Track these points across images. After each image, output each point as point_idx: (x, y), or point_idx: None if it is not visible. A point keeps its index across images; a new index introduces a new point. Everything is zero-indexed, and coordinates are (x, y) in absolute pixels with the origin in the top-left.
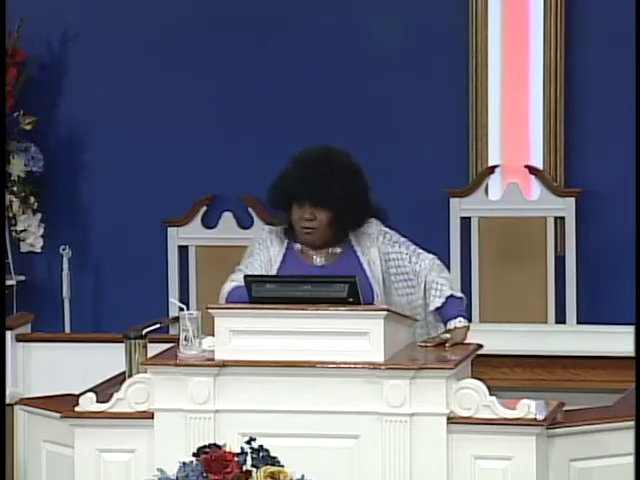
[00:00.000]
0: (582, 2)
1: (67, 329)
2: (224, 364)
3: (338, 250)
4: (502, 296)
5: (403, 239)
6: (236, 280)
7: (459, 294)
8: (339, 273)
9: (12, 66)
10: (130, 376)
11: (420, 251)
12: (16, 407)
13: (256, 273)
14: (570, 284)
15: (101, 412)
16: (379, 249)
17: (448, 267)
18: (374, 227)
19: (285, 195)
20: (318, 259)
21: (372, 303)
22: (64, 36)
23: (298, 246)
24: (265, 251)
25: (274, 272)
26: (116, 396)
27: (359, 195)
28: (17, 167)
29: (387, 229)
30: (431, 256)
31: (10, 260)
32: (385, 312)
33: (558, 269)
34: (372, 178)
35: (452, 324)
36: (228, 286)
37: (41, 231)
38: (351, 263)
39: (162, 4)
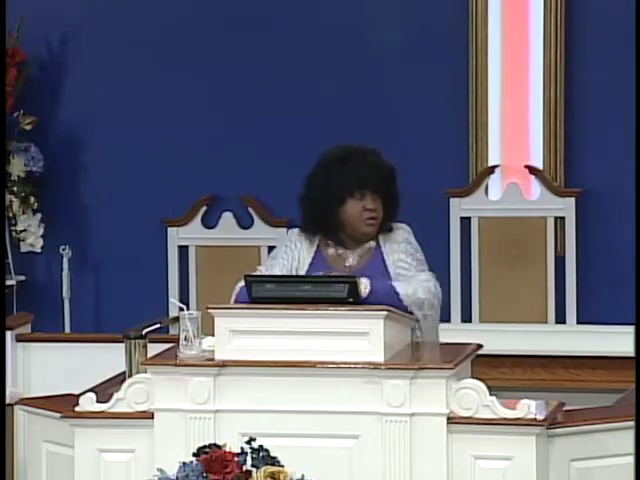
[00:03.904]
0: (582, 2)
1: (67, 329)
2: (224, 364)
3: (373, 244)
4: (502, 296)
5: (422, 256)
6: None
7: (405, 299)
8: (366, 276)
9: (12, 66)
10: (130, 376)
11: (424, 267)
12: (16, 407)
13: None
14: (570, 284)
15: (101, 412)
16: (398, 255)
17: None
18: (401, 235)
19: (343, 190)
20: (351, 259)
21: (396, 306)
22: (64, 36)
23: (331, 250)
24: (290, 254)
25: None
26: (116, 396)
27: (396, 181)
28: (17, 167)
29: (412, 239)
30: (430, 273)
31: (10, 260)
32: (385, 312)
33: (558, 269)
34: None
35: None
36: (242, 284)
37: (41, 231)
38: (378, 266)
39: (162, 4)
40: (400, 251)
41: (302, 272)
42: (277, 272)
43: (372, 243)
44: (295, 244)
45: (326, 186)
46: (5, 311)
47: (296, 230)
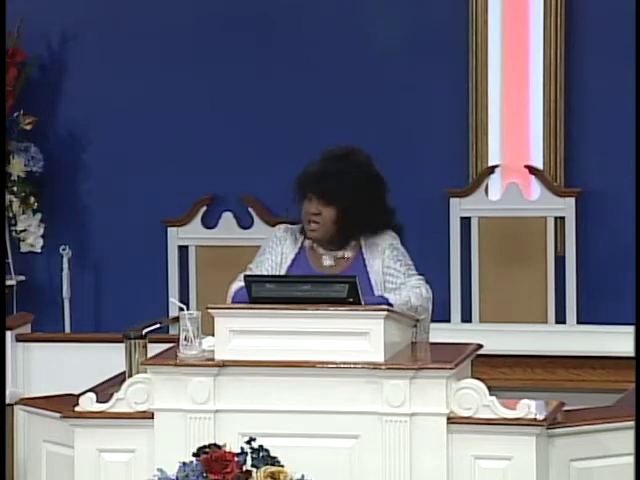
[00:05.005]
0: (582, 2)
1: (67, 329)
2: (224, 364)
3: (348, 255)
4: (502, 296)
5: (410, 261)
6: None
7: (399, 309)
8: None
9: (12, 66)
10: (130, 376)
11: (413, 272)
12: (16, 407)
13: (265, 273)
14: (570, 284)
15: (101, 412)
16: (383, 261)
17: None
18: (386, 241)
19: (298, 188)
20: (327, 261)
21: None
22: (64, 36)
23: (309, 243)
24: (278, 249)
25: (284, 270)
26: (116, 396)
27: (370, 198)
28: (17, 167)
29: (398, 245)
30: (419, 277)
31: (10, 260)
32: (385, 312)
33: (558, 269)
34: None
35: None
36: (235, 285)
37: (41, 231)
38: (359, 270)
39: (162, 4)
40: (385, 257)
41: (285, 267)
42: (265, 268)
43: (348, 254)
44: (280, 239)
45: (295, 183)
46: (5, 311)
47: (282, 226)
